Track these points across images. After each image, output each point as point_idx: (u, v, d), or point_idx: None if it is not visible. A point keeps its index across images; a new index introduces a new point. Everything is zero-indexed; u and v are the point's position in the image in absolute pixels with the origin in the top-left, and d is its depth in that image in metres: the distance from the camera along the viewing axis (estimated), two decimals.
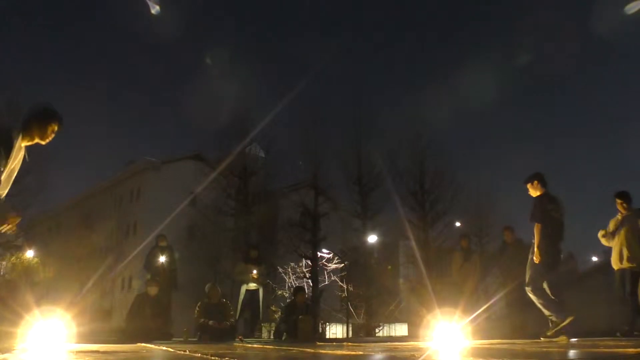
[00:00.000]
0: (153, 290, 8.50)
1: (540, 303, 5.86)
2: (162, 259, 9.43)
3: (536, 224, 6.00)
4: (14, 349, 3.55)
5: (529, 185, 6.33)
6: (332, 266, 23.16)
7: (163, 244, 9.72)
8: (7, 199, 3.86)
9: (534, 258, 5.94)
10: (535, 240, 5.96)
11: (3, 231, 3.86)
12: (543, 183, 6.26)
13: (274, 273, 22.41)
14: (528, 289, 5.95)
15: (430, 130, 21.79)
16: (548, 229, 6.00)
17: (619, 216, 7.07)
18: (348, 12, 77.60)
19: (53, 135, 3.85)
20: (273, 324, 18.71)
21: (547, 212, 6.07)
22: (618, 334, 6.67)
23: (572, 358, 3.36)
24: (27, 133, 3.79)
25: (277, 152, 22.11)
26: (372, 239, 21.62)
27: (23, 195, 17.18)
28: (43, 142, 3.85)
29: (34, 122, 3.78)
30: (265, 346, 5.30)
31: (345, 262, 21.89)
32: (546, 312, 5.85)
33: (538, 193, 6.23)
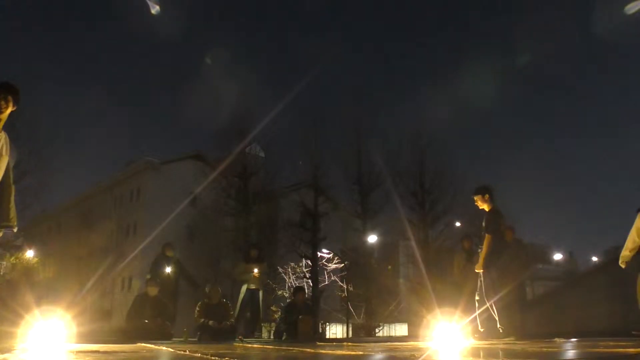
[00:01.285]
0: (153, 291, 8.49)
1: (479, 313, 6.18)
2: (168, 269, 9.28)
3: (489, 235, 6.24)
4: (14, 349, 3.55)
5: (478, 197, 6.50)
6: (332, 266, 23.15)
7: (169, 254, 9.45)
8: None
9: (476, 267, 6.24)
10: (483, 251, 6.25)
11: None
12: (492, 197, 6.48)
13: (274, 273, 22.40)
14: (477, 299, 6.25)
15: (431, 130, 21.76)
16: (498, 243, 6.28)
17: None
18: (349, 11, 77.62)
19: (7, 105, 3.88)
20: (273, 324, 18.71)
21: (499, 226, 6.38)
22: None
23: (572, 358, 3.36)
24: None
25: (277, 152, 22.17)
26: (372, 239, 21.61)
27: (23, 195, 17.19)
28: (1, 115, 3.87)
29: None
30: (265, 346, 5.29)
31: (345, 262, 21.88)
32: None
33: (487, 206, 6.43)
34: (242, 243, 19.41)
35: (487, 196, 6.43)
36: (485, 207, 6.45)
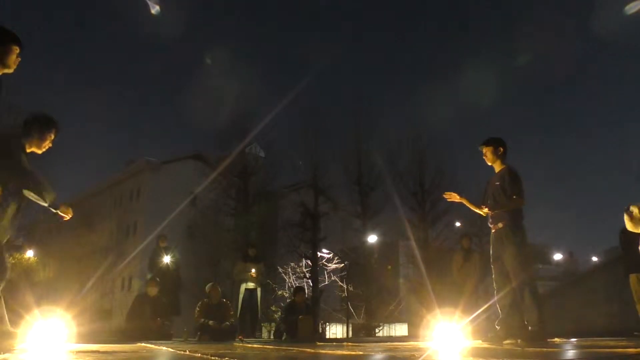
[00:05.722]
0: (153, 291, 8.50)
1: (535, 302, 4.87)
2: (167, 259, 9.36)
3: (521, 200, 4.93)
4: (14, 349, 3.55)
5: (489, 149, 5.13)
6: (332, 266, 23.14)
7: (164, 244, 9.67)
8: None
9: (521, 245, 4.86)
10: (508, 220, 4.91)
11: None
12: (506, 154, 5.16)
13: (274, 273, 22.40)
14: (529, 286, 4.89)
15: (431, 130, 21.83)
16: (520, 217, 5.02)
17: None
18: (348, 11, 77.63)
19: (49, 145, 3.93)
20: (273, 324, 18.70)
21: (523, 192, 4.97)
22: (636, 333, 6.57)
23: (572, 358, 3.35)
24: (26, 140, 3.84)
25: (277, 152, 22.17)
26: (372, 239, 21.61)
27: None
28: (39, 151, 3.91)
29: (35, 129, 3.82)
30: (265, 346, 5.29)
31: (345, 262, 21.89)
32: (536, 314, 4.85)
33: (499, 163, 5.12)
34: (242, 243, 19.42)
35: (501, 149, 5.12)
36: (497, 164, 5.14)
